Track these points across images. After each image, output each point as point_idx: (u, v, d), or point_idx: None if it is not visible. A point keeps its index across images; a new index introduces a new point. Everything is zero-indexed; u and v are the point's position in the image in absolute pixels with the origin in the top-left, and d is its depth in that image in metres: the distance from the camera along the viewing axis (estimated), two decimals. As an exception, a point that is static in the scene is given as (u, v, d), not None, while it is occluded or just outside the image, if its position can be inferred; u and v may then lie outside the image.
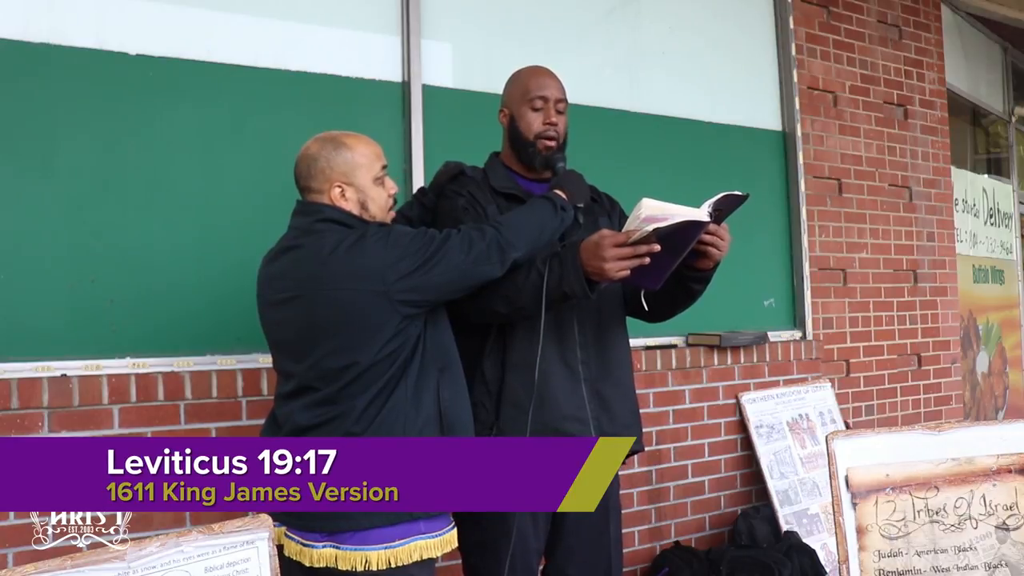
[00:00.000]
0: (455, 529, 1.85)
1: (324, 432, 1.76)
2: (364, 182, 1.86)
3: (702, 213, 1.81)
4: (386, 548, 1.74)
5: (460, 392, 1.90)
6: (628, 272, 1.85)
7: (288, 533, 1.79)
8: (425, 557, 1.77)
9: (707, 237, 1.90)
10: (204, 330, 2.49)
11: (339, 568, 1.75)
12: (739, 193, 1.85)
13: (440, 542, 1.80)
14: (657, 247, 1.81)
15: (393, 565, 1.74)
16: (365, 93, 2.82)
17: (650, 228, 1.78)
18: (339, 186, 1.84)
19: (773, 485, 3.49)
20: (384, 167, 1.90)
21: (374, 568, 1.74)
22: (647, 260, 1.83)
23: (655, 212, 1.79)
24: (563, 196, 2.01)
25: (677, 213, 1.79)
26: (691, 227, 1.82)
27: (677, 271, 1.96)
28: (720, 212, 1.85)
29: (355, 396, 1.76)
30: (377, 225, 1.83)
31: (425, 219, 2.15)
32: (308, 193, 1.87)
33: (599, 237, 1.86)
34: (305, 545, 1.78)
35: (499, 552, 2.00)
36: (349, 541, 1.74)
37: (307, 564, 1.78)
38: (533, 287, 1.91)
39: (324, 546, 1.76)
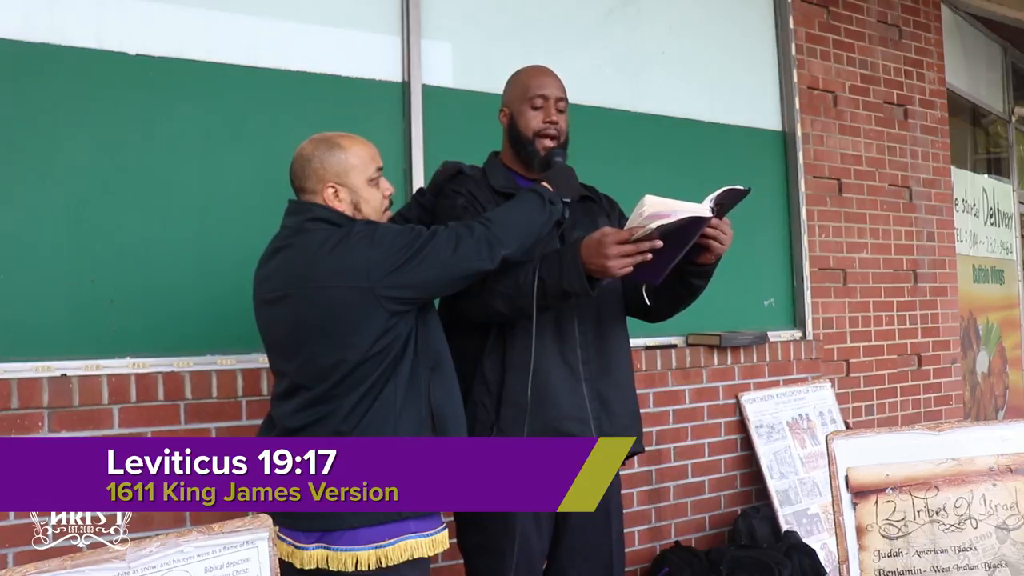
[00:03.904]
0: (446, 530, 1.85)
1: (312, 433, 1.76)
2: (358, 183, 1.86)
3: (704, 208, 1.82)
4: (375, 548, 1.74)
5: (451, 391, 1.89)
6: (631, 269, 1.85)
7: (280, 534, 1.79)
8: (416, 556, 1.78)
9: (709, 231, 1.90)
10: (204, 330, 2.49)
11: (329, 569, 1.75)
12: (741, 187, 1.85)
13: (431, 542, 1.80)
14: (660, 243, 1.82)
15: (383, 564, 1.74)
16: (365, 93, 2.82)
17: (654, 225, 1.79)
18: (332, 186, 1.84)
19: (773, 485, 3.49)
20: (379, 169, 1.90)
21: (363, 568, 1.74)
22: (649, 256, 1.83)
23: (658, 209, 1.79)
24: (550, 189, 2.00)
25: (680, 209, 1.80)
26: (693, 223, 1.83)
27: (678, 267, 1.96)
28: (722, 207, 1.85)
29: (344, 395, 1.76)
30: (364, 222, 1.82)
31: (424, 219, 2.14)
32: (303, 194, 1.88)
33: (601, 235, 1.86)
34: (296, 547, 1.78)
35: (502, 554, 2.00)
36: (339, 541, 1.75)
37: (298, 566, 1.78)
38: (533, 286, 1.91)
39: (315, 547, 1.77)
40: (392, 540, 1.75)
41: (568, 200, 2.03)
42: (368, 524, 1.73)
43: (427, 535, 1.79)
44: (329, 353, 1.76)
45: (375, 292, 1.75)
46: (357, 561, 1.74)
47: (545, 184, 2.01)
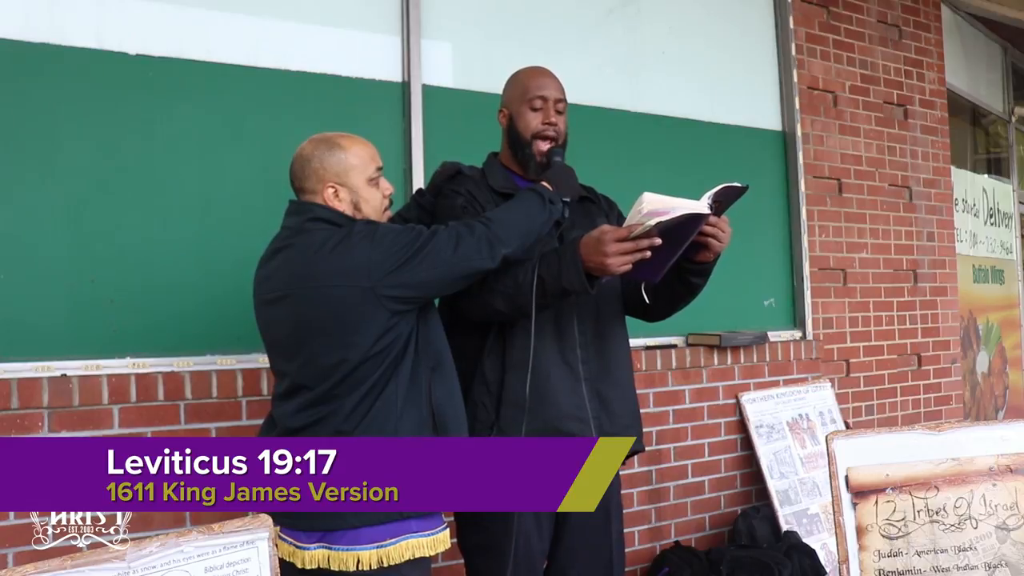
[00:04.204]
0: (447, 529, 1.85)
1: (313, 433, 1.76)
2: (357, 183, 1.86)
3: (703, 205, 1.82)
4: (376, 547, 1.74)
5: (452, 390, 1.90)
6: (630, 266, 1.86)
7: (282, 534, 1.79)
8: (417, 556, 1.78)
9: (708, 229, 1.90)
10: (204, 330, 2.49)
11: (331, 568, 1.75)
12: (738, 184, 1.85)
13: (433, 541, 1.80)
14: (658, 240, 1.82)
15: (385, 564, 1.74)
16: (365, 93, 2.82)
17: (652, 222, 1.79)
18: (332, 187, 1.85)
19: (773, 485, 3.49)
20: (379, 168, 1.90)
21: (365, 567, 1.74)
22: (648, 254, 1.83)
23: (657, 206, 1.79)
24: (550, 189, 2.00)
25: (679, 206, 1.80)
26: (692, 220, 1.83)
27: (677, 265, 1.96)
28: (720, 204, 1.86)
29: (345, 394, 1.76)
30: (364, 222, 1.83)
31: (423, 220, 2.14)
32: (302, 194, 1.88)
33: (600, 232, 1.86)
34: (297, 547, 1.78)
35: (503, 553, 2.00)
36: (340, 541, 1.75)
37: (299, 566, 1.78)
38: (532, 284, 1.91)
39: (316, 547, 1.77)
40: (393, 540, 1.75)
41: (568, 200, 2.03)
42: (369, 524, 1.73)
43: (428, 534, 1.79)
44: (330, 353, 1.76)
45: (376, 292, 1.75)
46: (358, 561, 1.74)
47: (545, 184, 2.02)
